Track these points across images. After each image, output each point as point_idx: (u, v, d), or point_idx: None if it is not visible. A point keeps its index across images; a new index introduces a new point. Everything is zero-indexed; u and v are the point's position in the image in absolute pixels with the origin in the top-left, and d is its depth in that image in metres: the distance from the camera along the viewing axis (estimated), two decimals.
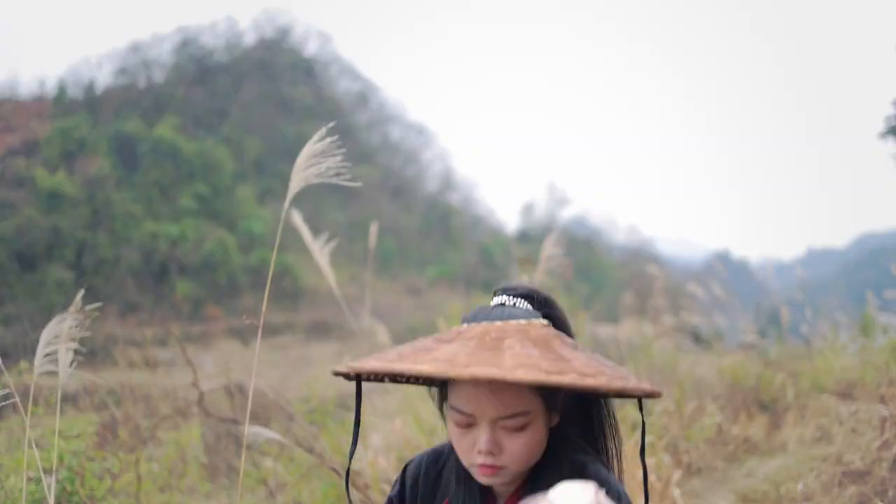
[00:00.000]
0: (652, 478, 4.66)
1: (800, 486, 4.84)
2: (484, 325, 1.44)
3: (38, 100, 46.18)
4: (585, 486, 1.26)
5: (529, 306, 1.55)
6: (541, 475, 1.52)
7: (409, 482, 1.71)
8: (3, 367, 2.82)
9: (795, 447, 6.12)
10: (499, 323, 1.44)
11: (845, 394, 6.24)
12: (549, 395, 1.48)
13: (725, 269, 16.61)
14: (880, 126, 10.28)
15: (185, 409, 5.53)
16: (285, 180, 2.85)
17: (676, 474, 4.95)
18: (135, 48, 57.01)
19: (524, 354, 1.27)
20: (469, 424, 1.45)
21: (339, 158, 2.73)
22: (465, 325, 1.47)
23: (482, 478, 1.48)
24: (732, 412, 7.16)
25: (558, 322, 1.57)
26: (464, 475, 1.58)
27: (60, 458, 3.35)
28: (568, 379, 1.22)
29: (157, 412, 5.57)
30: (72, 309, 2.80)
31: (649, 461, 4.80)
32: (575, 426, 1.64)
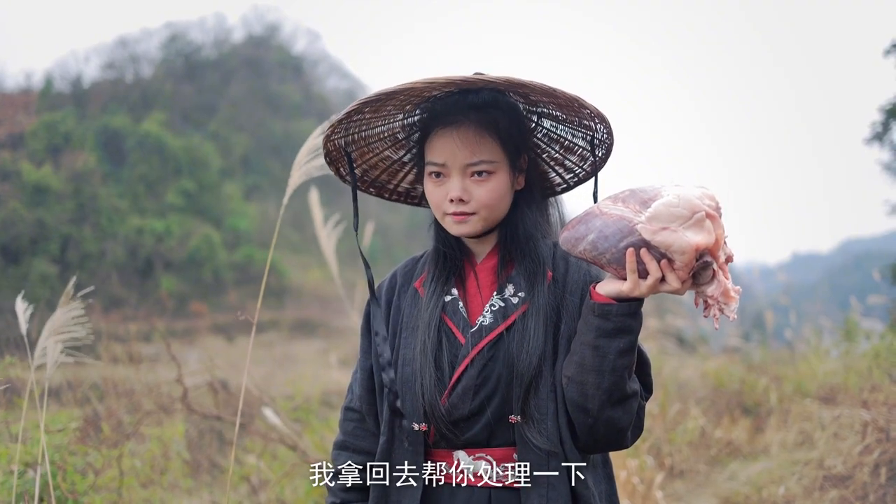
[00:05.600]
0: (635, 480, 4.67)
1: (781, 490, 4.87)
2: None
3: (25, 93, 45.81)
4: (696, 186, 1.45)
5: None
6: (512, 236, 1.76)
7: (386, 286, 1.94)
8: None
9: (778, 451, 6.14)
10: None
11: (828, 398, 6.27)
12: (512, 152, 1.73)
13: None
14: (866, 132, 10.35)
15: (169, 405, 5.50)
16: (272, 177, 2.87)
17: (659, 477, 4.97)
18: (122, 42, 56.66)
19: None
20: (442, 175, 1.71)
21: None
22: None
23: (454, 226, 1.72)
24: (715, 416, 7.19)
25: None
26: (443, 245, 1.83)
27: (43, 453, 3.33)
28: (536, 82, 1.54)
29: (141, 408, 5.54)
30: (63, 300, 2.79)
31: (632, 463, 4.81)
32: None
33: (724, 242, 1.45)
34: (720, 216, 1.43)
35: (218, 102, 53.54)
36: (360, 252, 1.89)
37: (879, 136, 10.29)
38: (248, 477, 5.03)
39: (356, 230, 1.90)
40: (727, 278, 1.45)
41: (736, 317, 1.45)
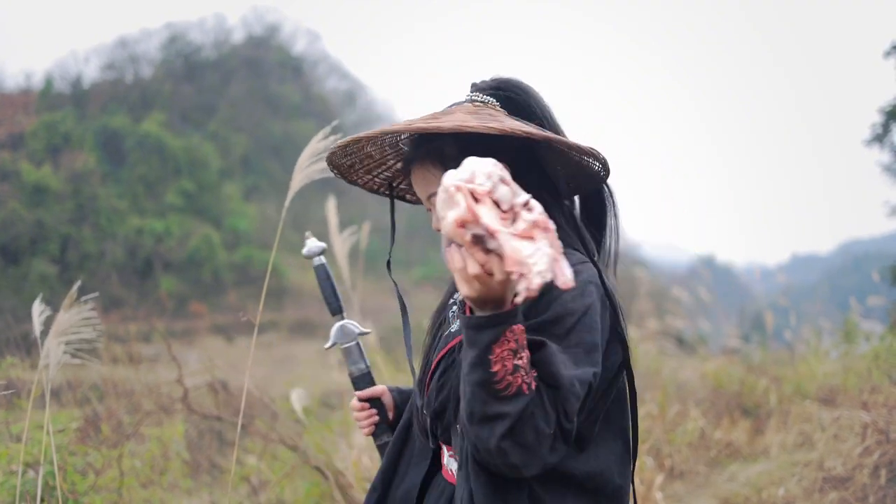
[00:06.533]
0: (635, 481, 4.67)
1: (781, 492, 4.87)
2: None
3: (25, 93, 45.87)
4: (489, 160, 1.27)
5: (497, 102, 1.70)
6: None
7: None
8: None
9: (777, 452, 6.14)
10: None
11: (828, 400, 6.27)
12: None
13: (710, 273, 16.63)
14: (866, 133, 10.35)
15: (169, 406, 5.50)
16: (272, 178, 2.88)
17: (659, 478, 4.98)
18: (122, 43, 56.79)
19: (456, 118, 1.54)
20: (428, 209, 1.73)
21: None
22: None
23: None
24: (715, 417, 7.18)
25: (522, 104, 1.70)
26: None
27: (45, 453, 3.33)
28: (448, 125, 1.47)
29: (141, 408, 5.53)
30: (66, 303, 2.79)
31: None
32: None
33: (496, 205, 1.22)
34: (477, 183, 1.23)
35: (217, 103, 53.59)
36: (388, 266, 1.98)
37: (879, 138, 10.29)
38: (248, 477, 5.03)
39: (392, 241, 1.97)
40: (515, 244, 1.18)
41: (573, 284, 1.17)
